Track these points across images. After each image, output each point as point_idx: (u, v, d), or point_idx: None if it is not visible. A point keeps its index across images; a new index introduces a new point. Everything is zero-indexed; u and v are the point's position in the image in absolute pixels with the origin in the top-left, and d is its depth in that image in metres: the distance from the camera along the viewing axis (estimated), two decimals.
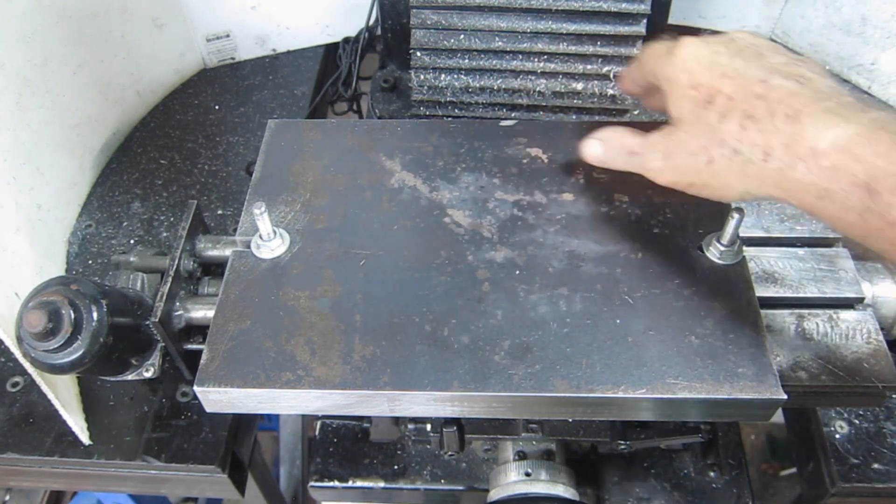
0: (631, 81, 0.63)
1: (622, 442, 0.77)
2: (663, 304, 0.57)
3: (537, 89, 0.77)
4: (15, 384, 0.72)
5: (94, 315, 0.56)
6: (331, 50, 1.09)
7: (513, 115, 0.80)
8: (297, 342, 0.56)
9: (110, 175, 0.92)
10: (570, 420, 0.81)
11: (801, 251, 0.63)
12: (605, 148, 0.60)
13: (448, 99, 0.79)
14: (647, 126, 0.73)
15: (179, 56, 1.03)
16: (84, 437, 0.67)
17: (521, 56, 0.76)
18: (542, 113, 0.80)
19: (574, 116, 0.79)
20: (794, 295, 0.61)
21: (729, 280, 0.58)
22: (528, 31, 0.73)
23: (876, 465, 0.64)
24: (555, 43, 0.74)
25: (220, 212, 0.87)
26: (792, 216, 0.66)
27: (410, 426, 0.85)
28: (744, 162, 0.48)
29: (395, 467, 0.89)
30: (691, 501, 0.84)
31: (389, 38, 0.87)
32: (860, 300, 0.61)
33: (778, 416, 0.57)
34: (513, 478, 0.77)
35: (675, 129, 0.53)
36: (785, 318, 0.59)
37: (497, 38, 0.74)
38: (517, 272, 0.60)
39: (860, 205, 0.42)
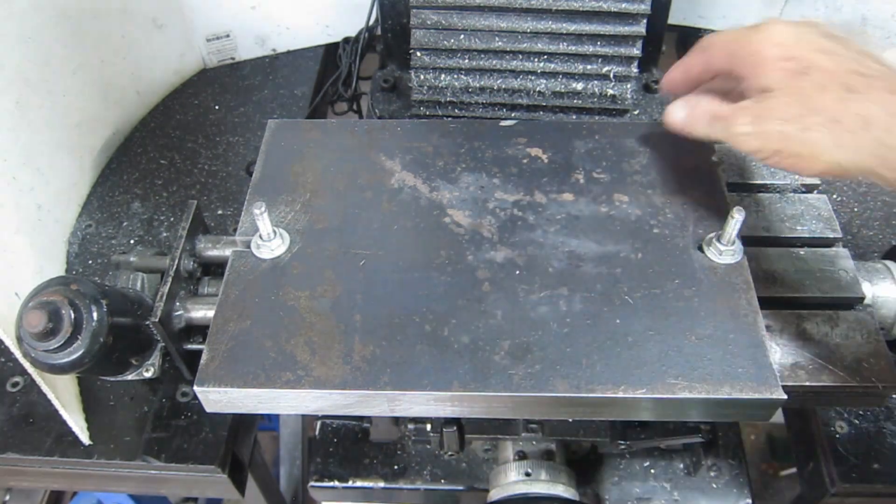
0: (683, 71, 0.62)
1: (622, 442, 0.77)
2: (663, 304, 0.57)
3: (537, 89, 0.77)
4: (15, 384, 0.72)
5: (94, 315, 0.56)
6: (331, 50, 1.09)
7: (513, 115, 0.80)
8: (297, 342, 0.56)
9: (110, 175, 0.92)
10: (570, 420, 0.81)
11: (801, 251, 0.63)
12: (688, 111, 0.60)
13: (448, 99, 0.79)
14: (650, 125, 0.73)
15: (179, 56, 1.03)
16: (84, 437, 0.67)
17: (521, 56, 0.76)
18: (542, 113, 0.79)
19: (574, 116, 0.79)
20: (794, 295, 0.61)
21: (729, 280, 0.59)
22: (528, 31, 0.73)
23: (876, 465, 0.64)
24: (555, 43, 0.74)
25: (220, 212, 0.87)
26: (792, 216, 0.66)
27: (410, 426, 0.85)
28: (841, 131, 0.48)
29: (395, 467, 0.89)
30: (691, 501, 0.84)
31: (389, 38, 0.87)
32: (860, 300, 0.61)
33: (778, 416, 0.57)
34: (513, 478, 0.77)
35: (766, 97, 0.52)
36: (785, 318, 0.59)
37: (497, 38, 0.74)
38: (517, 272, 0.60)
39: None
